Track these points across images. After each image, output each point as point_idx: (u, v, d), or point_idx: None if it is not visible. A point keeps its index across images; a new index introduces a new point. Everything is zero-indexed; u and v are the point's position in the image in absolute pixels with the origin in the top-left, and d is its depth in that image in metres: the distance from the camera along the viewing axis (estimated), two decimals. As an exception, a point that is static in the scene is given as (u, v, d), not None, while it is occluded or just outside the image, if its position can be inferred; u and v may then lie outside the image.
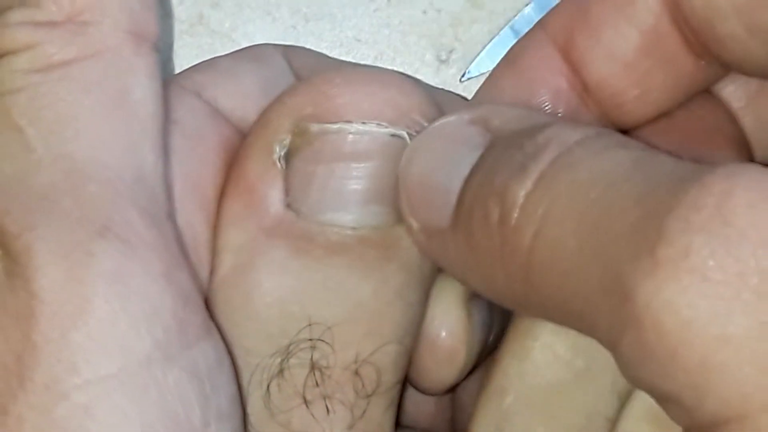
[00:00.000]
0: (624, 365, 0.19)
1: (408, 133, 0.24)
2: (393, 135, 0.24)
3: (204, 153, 0.25)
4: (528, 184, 0.21)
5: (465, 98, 0.31)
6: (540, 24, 0.26)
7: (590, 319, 0.19)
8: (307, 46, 0.32)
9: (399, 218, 0.24)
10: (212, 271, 0.25)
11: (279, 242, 0.24)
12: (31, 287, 0.20)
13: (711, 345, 0.17)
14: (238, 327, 0.24)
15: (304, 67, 0.27)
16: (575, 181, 0.20)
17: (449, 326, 0.26)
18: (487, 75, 0.31)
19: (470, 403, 0.29)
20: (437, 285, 0.26)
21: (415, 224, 0.24)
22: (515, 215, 0.21)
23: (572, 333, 0.24)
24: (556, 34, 0.25)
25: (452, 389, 0.27)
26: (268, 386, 0.24)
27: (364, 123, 0.24)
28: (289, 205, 0.24)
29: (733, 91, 0.26)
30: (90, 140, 0.22)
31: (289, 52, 0.28)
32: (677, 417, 0.19)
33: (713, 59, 0.24)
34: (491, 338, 0.27)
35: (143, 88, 0.23)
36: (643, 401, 0.24)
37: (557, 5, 0.26)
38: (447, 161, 0.23)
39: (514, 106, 0.24)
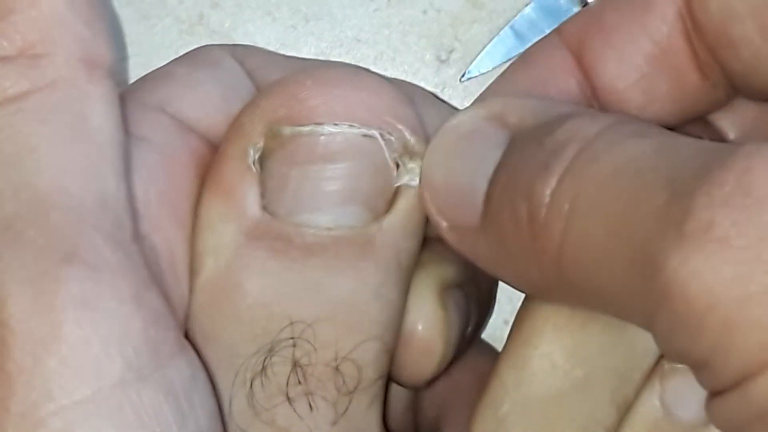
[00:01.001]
0: (662, 341, 0.20)
1: (380, 134, 0.25)
2: (365, 135, 0.24)
3: (176, 169, 0.25)
4: (552, 181, 0.21)
5: (439, 98, 0.31)
6: (556, 29, 0.26)
7: (625, 302, 0.20)
8: (307, 46, 0.32)
9: (374, 217, 0.25)
10: (194, 275, 0.25)
11: (258, 244, 0.24)
12: (0, 317, 0.21)
13: (733, 305, 0.18)
14: (222, 328, 0.25)
15: (255, 67, 0.27)
16: (599, 174, 0.21)
17: (425, 319, 0.26)
18: (499, 72, 0.31)
19: (430, 405, 0.29)
20: (413, 279, 0.26)
21: (444, 224, 0.24)
22: (543, 213, 0.21)
23: (571, 342, 0.24)
24: (570, 37, 0.25)
25: (431, 382, 0.27)
26: (251, 385, 0.25)
27: (335, 124, 0.24)
28: (265, 207, 0.25)
29: (729, 123, 0.27)
30: (50, 169, 0.22)
31: (237, 52, 0.28)
32: (711, 383, 0.20)
33: (719, 77, 0.24)
34: (470, 330, 0.27)
35: (100, 115, 0.23)
36: (642, 414, 0.24)
37: (574, 14, 0.26)
38: (470, 161, 0.24)
39: (527, 97, 0.25)
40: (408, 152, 0.25)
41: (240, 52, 0.28)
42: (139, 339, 0.21)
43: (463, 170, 0.24)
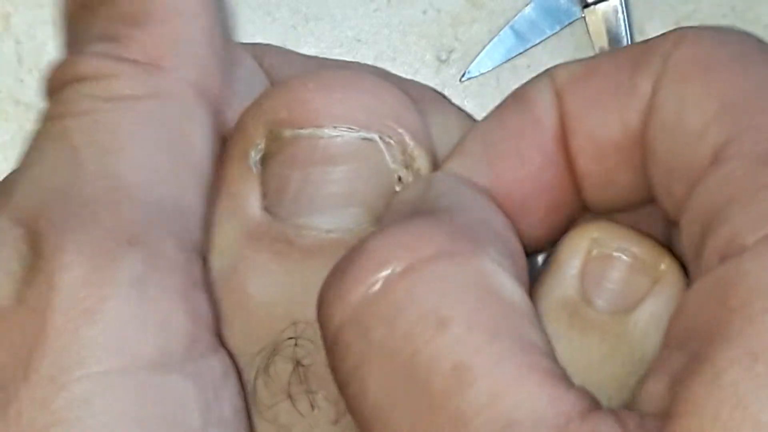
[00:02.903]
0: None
1: (380, 137, 0.25)
2: (364, 138, 0.24)
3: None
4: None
5: (443, 95, 0.31)
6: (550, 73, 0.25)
7: None
8: (307, 46, 0.32)
9: (373, 220, 0.25)
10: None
11: (260, 245, 0.25)
12: (52, 280, 0.21)
13: None
14: (227, 327, 0.25)
15: (273, 66, 0.28)
16: None
17: None
18: (499, 72, 0.31)
19: None
20: None
21: None
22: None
23: (569, 350, 0.24)
24: (556, 84, 0.24)
25: None
26: (254, 383, 0.25)
27: (335, 127, 0.24)
28: (267, 209, 0.25)
29: None
30: (139, 167, 0.23)
31: (257, 51, 0.28)
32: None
33: None
34: None
35: (200, 137, 0.24)
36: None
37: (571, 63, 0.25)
38: None
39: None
40: (408, 157, 0.25)
41: (259, 51, 0.28)
42: (178, 331, 0.22)
43: None
